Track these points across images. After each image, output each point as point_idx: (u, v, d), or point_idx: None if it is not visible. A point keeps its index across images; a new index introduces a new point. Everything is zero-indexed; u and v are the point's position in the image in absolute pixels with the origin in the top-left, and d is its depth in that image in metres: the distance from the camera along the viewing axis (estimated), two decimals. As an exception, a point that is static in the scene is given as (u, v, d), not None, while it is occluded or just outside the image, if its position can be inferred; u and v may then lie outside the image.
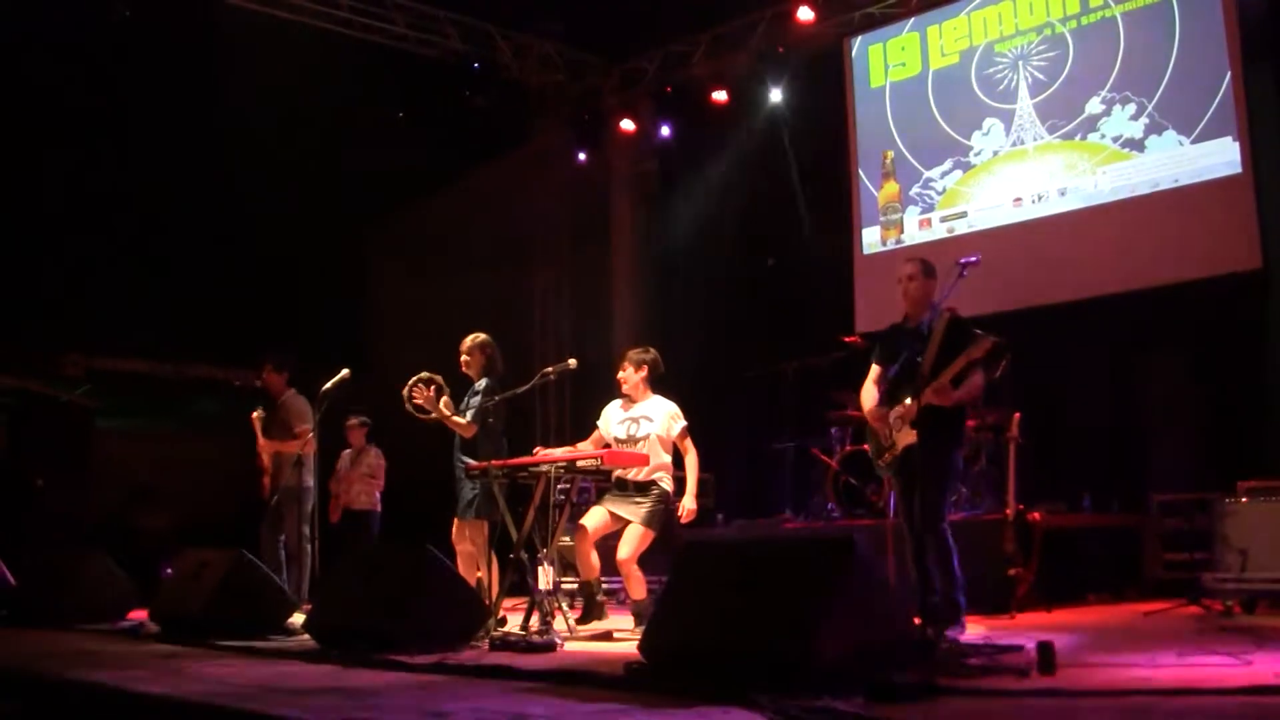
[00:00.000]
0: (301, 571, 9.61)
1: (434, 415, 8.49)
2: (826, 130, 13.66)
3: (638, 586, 8.05)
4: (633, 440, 8.23)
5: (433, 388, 8.47)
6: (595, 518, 8.17)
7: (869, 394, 7.34)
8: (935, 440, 6.67)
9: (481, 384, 8.61)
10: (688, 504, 8.15)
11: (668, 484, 8.24)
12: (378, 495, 11.94)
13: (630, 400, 8.45)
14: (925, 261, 7.14)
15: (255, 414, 10.23)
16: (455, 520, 8.54)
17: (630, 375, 8.41)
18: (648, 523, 8.02)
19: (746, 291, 14.30)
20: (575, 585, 9.24)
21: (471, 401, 8.57)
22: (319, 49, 13.33)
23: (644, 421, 8.29)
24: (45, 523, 11.39)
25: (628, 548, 7.99)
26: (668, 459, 8.29)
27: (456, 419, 8.45)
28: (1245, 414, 10.32)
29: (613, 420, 8.44)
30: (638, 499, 8.11)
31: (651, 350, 8.55)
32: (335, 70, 13.33)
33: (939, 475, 6.82)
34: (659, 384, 8.50)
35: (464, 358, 8.72)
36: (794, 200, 13.78)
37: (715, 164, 14.68)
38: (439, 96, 15.01)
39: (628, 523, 8.07)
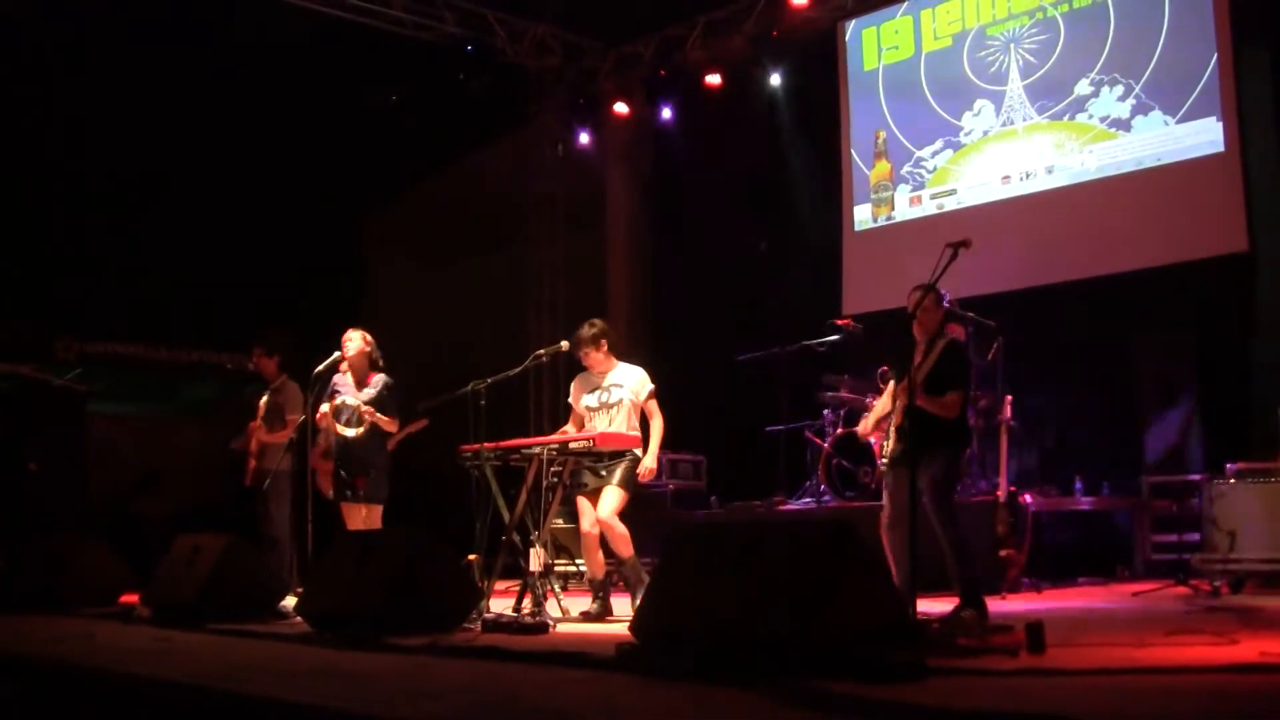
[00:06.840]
0: (291, 555, 9.56)
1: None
2: (819, 113, 13.69)
3: (622, 544, 8.01)
4: (606, 406, 8.26)
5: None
6: (585, 510, 8.20)
7: (879, 404, 7.84)
8: (923, 450, 6.73)
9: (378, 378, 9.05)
10: (648, 463, 8.16)
11: (639, 450, 8.24)
12: None
13: (599, 373, 8.46)
14: (936, 291, 7.12)
15: (263, 399, 10.09)
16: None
17: (593, 354, 8.38)
18: (622, 484, 8.04)
19: (740, 274, 14.30)
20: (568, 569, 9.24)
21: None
22: (314, 32, 13.29)
23: (614, 389, 8.33)
24: (39, 507, 11.36)
25: (607, 506, 8.00)
26: (636, 423, 8.33)
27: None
28: (1235, 396, 10.35)
29: (584, 391, 8.46)
30: (610, 464, 8.11)
31: (596, 321, 8.56)
32: (331, 54, 13.30)
33: (934, 484, 6.92)
34: (622, 352, 8.64)
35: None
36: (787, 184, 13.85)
37: (709, 147, 14.65)
38: (435, 80, 14.98)
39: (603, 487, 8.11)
